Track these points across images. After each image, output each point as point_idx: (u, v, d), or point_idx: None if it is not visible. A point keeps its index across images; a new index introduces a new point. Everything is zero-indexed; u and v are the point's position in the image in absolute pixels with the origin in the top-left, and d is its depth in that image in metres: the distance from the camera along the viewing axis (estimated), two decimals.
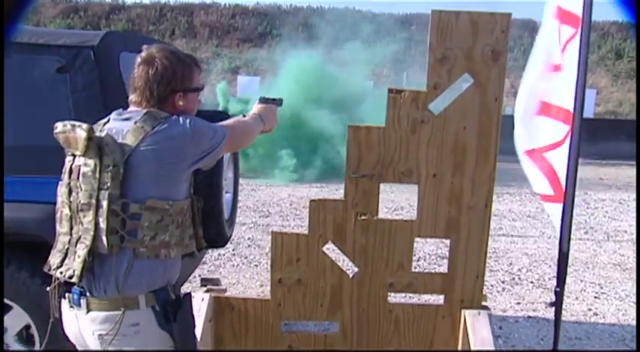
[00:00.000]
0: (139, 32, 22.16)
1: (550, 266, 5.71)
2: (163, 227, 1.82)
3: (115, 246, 1.77)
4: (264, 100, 2.24)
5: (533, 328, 4.20)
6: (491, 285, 5.09)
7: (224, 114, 2.69)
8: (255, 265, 5.54)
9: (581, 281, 5.33)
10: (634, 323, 4.36)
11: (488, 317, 2.78)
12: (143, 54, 1.87)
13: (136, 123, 1.80)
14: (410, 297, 3.90)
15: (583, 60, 2.70)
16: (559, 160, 2.73)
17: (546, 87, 2.89)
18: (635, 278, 5.43)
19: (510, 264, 5.82)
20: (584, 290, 5.07)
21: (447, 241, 2.88)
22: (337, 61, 13.99)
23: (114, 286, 1.78)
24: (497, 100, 2.68)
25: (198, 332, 2.19)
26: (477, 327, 2.71)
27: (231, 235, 3.20)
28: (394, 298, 2.97)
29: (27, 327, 2.81)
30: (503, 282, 5.23)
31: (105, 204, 1.75)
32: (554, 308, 2.90)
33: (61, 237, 1.87)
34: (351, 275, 2.87)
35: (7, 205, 2.59)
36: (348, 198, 2.77)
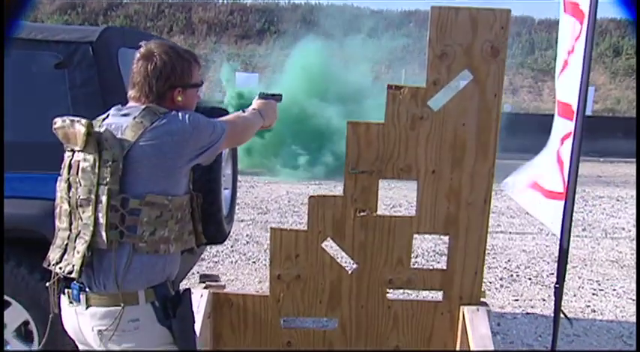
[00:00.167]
0: (137, 29, 22.11)
1: (548, 263, 5.72)
2: (162, 222, 1.82)
3: (114, 241, 1.77)
4: (263, 96, 2.23)
5: (531, 324, 4.21)
6: (490, 282, 5.09)
7: (223, 110, 2.68)
8: (254, 262, 5.54)
9: (579, 278, 5.34)
10: (632, 319, 4.37)
11: (487, 313, 2.78)
12: (142, 49, 1.87)
13: (134, 118, 1.80)
14: (408, 293, 3.90)
15: (587, 57, 2.71)
16: (565, 157, 2.74)
17: (559, 85, 2.92)
18: (633, 275, 5.45)
19: (509, 260, 5.83)
20: (582, 287, 5.08)
21: (446, 238, 2.88)
22: (337, 57, 13.98)
23: (113, 281, 1.78)
24: (497, 96, 2.68)
25: (197, 328, 2.19)
26: (475, 323, 2.71)
27: (229, 231, 3.20)
28: (393, 294, 2.97)
29: (25, 323, 2.81)
30: (501, 279, 5.24)
31: (104, 199, 1.75)
32: (553, 307, 2.90)
33: (60, 232, 1.87)
34: (350, 272, 2.87)
35: (6, 201, 2.59)
36: (347, 195, 2.77)
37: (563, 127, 2.82)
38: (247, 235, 6.45)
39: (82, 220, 1.79)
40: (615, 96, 22.43)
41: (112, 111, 1.90)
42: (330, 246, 2.85)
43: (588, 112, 17.82)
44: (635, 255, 6.06)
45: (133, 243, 1.79)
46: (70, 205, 1.82)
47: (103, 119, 1.88)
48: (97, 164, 1.77)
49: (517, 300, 4.71)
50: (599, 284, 5.18)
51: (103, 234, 1.76)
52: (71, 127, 1.81)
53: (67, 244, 1.84)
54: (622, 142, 14.79)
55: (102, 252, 1.79)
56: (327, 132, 11.14)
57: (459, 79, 2.70)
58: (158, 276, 1.84)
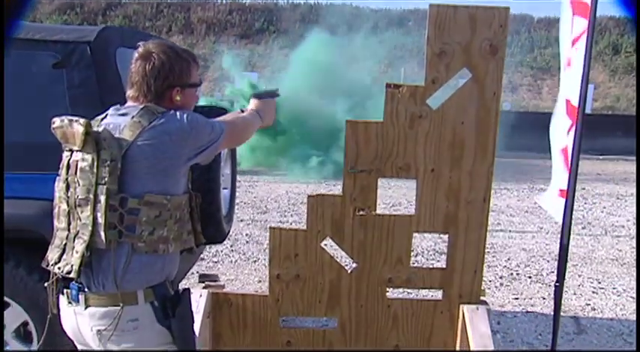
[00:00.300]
0: (135, 28, 22.09)
1: (548, 261, 5.72)
2: (161, 222, 1.81)
3: (113, 241, 1.77)
4: (258, 95, 2.23)
5: (531, 323, 4.21)
6: (490, 280, 5.09)
7: (222, 110, 2.68)
8: (254, 261, 5.54)
9: (579, 276, 5.34)
10: (632, 317, 4.37)
11: (487, 312, 2.78)
12: (140, 49, 1.87)
13: (133, 118, 1.79)
14: (408, 292, 3.90)
15: (588, 54, 2.71)
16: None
17: (564, 83, 2.92)
18: (633, 273, 5.45)
19: (508, 259, 5.83)
20: (582, 285, 5.08)
21: (445, 237, 2.87)
22: (338, 56, 13.98)
23: (112, 281, 1.77)
24: (496, 95, 2.67)
25: (196, 327, 2.19)
26: (475, 322, 2.71)
27: (229, 231, 3.20)
28: (392, 293, 2.97)
29: (25, 324, 2.80)
30: (501, 278, 5.23)
31: (103, 199, 1.75)
32: (553, 306, 2.91)
33: (58, 232, 1.87)
34: (349, 271, 2.87)
35: (5, 202, 2.59)
36: (346, 194, 2.77)
37: (567, 124, 2.83)
38: (247, 235, 6.45)
39: (80, 220, 1.79)
40: (615, 94, 22.43)
41: (110, 110, 1.90)
42: (329, 245, 2.85)
43: (588, 110, 17.84)
44: (635, 253, 6.06)
45: (132, 242, 1.78)
46: (68, 205, 1.82)
47: (102, 119, 1.88)
48: (95, 164, 1.76)
49: (517, 299, 4.71)
50: (599, 283, 5.18)
51: (102, 233, 1.76)
52: (69, 127, 1.81)
53: (65, 244, 1.83)
54: (621, 140, 14.79)
55: (101, 252, 1.78)
56: (335, 130, 11.15)
57: (457, 77, 2.70)
58: (157, 276, 1.84)
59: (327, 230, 2.80)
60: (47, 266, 1.87)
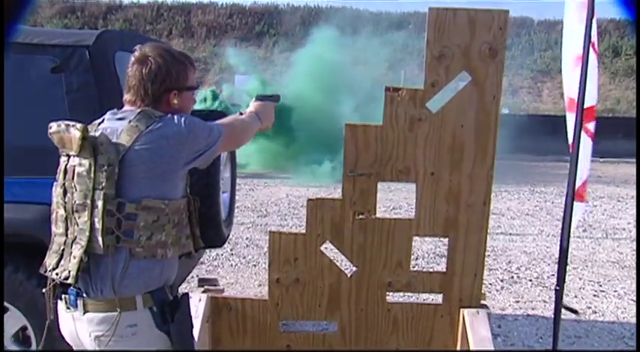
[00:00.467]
0: (136, 32, 22.14)
1: (549, 264, 5.71)
2: (159, 227, 1.80)
3: (110, 246, 1.76)
4: (260, 98, 2.22)
5: (532, 326, 4.20)
6: (490, 284, 5.08)
7: (220, 113, 2.67)
8: (254, 265, 5.53)
9: (580, 279, 5.32)
10: (633, 320, 4.35)
11: (487, 316, 2.77)
12: (137, 53, 1.86)
13: (130, 122, 1.79)
14: (408, 296, 3.89)
15: (586, 55, 2.70)
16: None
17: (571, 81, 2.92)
18: (634, 276, 5.43)
19: (509, 262, 5.81)
20: (583, 288, 5.07)
21: (446, 240, 2.86)
22: (345, 55, 14.03)
23: (110, 287, 1.76)
24: (495, 98, 2.67)
25: (195, 332, 2.18)
26: (475, 326, 2.70)
27: (228, 235, 3.19)
28: (393, 297, 2.96)
29: (23, 329, 2.79)
30: (502, 281, 5.22)
31: (100, 204, 1.74)
32: (558, 307, 2.90)
33: (56, 238, 1.86)
34: (349, 275, 2.85)
35: (4, 206, 2.58)
36: (345, 197, 2.76)
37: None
38: (247, 238, 6.44)
39: (78, 225, 1.78)
40: (615, 97, 22.44)
41: (107, 115, 1.89)
42: (329, 249, 2.84)
43: None
44: (635, 256, 6.05)
45: (130, 247, 1.77)
46: (65, 210, 1.81)
47: (99, 123, 1.87)
48: (92, 169, 1.75)
49: (518, 302, 4.69)
50: (601, 286, 5.16)
51: (100, 239, 1.75)
52: (66, 132, 1.80)
53: (63, 249, 1.82)
54: (622, 142, 14.78)
55: (98, 258, 1.77)
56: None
57: (457, 80, 2.69)
58: (155, 281, 1.83)
59: (326, 234, 2.79)
60: (45, 271, 1.86)
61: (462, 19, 2.60)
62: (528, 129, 12.49)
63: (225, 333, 2.94)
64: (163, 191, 1.81)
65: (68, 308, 1.83)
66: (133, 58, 1.86)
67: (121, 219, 1.76)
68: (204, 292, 2.98)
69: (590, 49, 2.73)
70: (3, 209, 2.54)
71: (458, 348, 2.84)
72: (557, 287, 2.91)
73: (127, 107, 1.87)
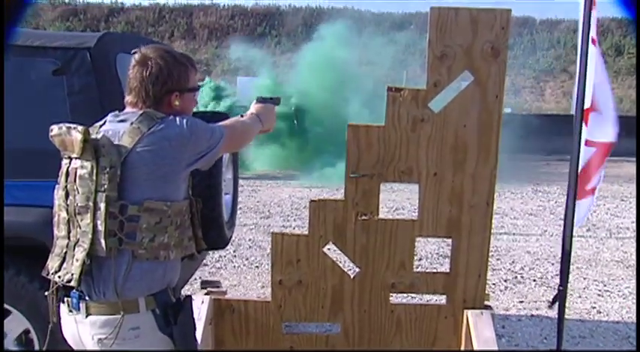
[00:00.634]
0: (137, 34, 22.18)
1: (553, 264, 5.69)
2: (162, 228, 1.80)
3: (113, 248, 1.75)
4: (261, 100, 2.22)
5: (536, 327, 4.18)
6: (494, 284, 5.06)
7: (222, 115, 2.67)
8: (257, 266, 5.52)
9: (584, 278, 5.30)
10: None
11: (491, 316, 2.76)
12: (138, 55, 1.86)
13: (132, 124, 1.78)
14: (412, 297, 3.88)
15: (583, 56, 2.69)
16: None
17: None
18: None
19: (513, 262, 5.80)
20: (588, 288, 5.05)
21: (449, 240, 2.86)
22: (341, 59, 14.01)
23: (113, 289, 1.76)
24: (498, 98, 2.66)
25: (198, 335, 2.17)
26: (479, 327, 2.69)
27: (231, 237, 3.18)
28: (396, 298, 2.95)
29: (26, 332, 2.79)
30: (505, 281, 5.21)
31: (102, 206, 1.74)
32: (556, 306, 2.88)
33: (59, 240, 1.85)
34: (352, 276, 2.85)
35: (5, 209, 2.58)
36: (348, 198, 2.75)
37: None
38: (250, 240, 6.43)
39: (80, 228, 1.78)
40: (618, 96, 22.36)
41: (108, 117, 1.89)
42: (332, 250, 2.83)
43: None
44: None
45: (133, 250, 1.77)
46: (68, 213, 1.81)
47: (100, 125, 1.86)
48: (94, 171, 1.75)
49: (522, 302, 4.68)
50: (605, 285, 5.14)
51: (102, 241, 1.74)
52: (68, 134, 1.80)
53: (65, 252, 1.82)
54: (625, 141, 14.72)
55: (101, 260, 1.77)
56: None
57: (459, 80, 2.68)
58: (158, 283, 1.82)
59: (329, 235, 2.78)
60: (47, 274, 1.85)
61: (464, 18, 2.59)
62: (531, 129, 12.45)
63: (228, 335, 2.93)
64: (165, 193, 1.81)
65: (71, 311, 1.82)
66: (134, 60, 1.85)
67: (123, 221, 1.75)
68: (206, 294, 2.98)
69: (591, 45, 2.71)
70: (3, 211, 2.53)
71: (462, 349, 2.83)
72: (561, 287, 2.90)
73: (128, 109, 1.87)
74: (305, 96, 12.58)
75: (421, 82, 2.73)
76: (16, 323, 2.76)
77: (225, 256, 5.75)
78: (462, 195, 2.74)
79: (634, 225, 7.56)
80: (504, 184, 9.66)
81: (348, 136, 2.71)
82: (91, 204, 1.75)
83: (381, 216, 2.81)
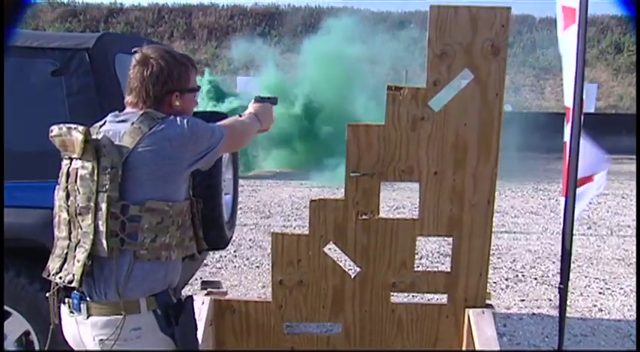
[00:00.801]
0: (136, 34, 22.16)
1: (554, 262, 5.68)
2: (163, 229, 1.80)
3: (115, 249, 1.75)
4: (259, 99, 2.22)
5: (537, 325, 4.17)
6: (495, 282, 5.06)
7: (221, 115, 2.66)
8: (257, 266, 5.51)
9: (586, 277, 5.30)
10: None
11: (493, 315, 2.75)
12: (138, 55, 1.86)
13: (132, 124, 1.78)
14: (413, 296, 3.87)
15: (581, 56, 2.69)
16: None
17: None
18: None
19: (514, 260, 5.79)
20: (589, 286, 5.04)
21: (450, 239, 2.85)
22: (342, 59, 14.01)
23: (114, 290, 1.76)
24: (498, 96, 2.65)
25: (199, 335, 2.17)
26: (481, 326, 2.68)
27: (231, 237, 3.18)
28: (397, 298, 2.94)
29: (26, 333, 2.79)
30: (506, 279, 5.20)
31: (104, 206, 1.73)
32: (559, 308, 2.88)
33: (59, 241, 1.85)
34: (353, 276, 2.84)
35: (5, 211, 2.57)
36: (348, 198, 2.74)
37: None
38: (250, 240, 6.43)
39: (81, 229, 1.77)
40: (618, 93, 22.37)
41: (109, 117, 1.88)
42: (332, 249, 2.82)
43: (591, 110, 17.81)
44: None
45: (134, 250, 1.77)
46: (69, 214, 1.81)
47: (100, 126, 1.86)
48: (95, 171, 1.75)
49: (523, 301, 4.67)
50: (606, 283, 5.14)
51: (104, 242, 1.74)
52: (68, 135, 1.80)
53: (66, 253, 1.82)
54: (625, 139, 14.70)
55: (102, 261, 1.77)
56: None
57: (459, 78, 2.68)
58: (160, 284, 1.82)
59: (329, 234, 2.77)
60: (48, 276, 1.85)
61: (463, 16, 2.59)
62: (531, 127, 12.43)
63: (229, 336, 2.93)
64: (166, 193, 1.80)
65: (72, 312, 1.82)
66: (134, 60, 1.85)
67: (125, 222, 1.75)
68: (207, 294, 2.97)
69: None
70: (3, 213, 2.53)
71: (463, 348, 2.83)
72: (561, 286, 2.89)
73: (128, 109, 1.87)
74: (314, 95, 12.53)
75: (421, 81, 2.73)
76: (17, 325, 2.76)
77: (225, 256, 5.75)
78: (462, 193, 2.74)
79: (635, 222, 7.55)
80: (505, 182, 9.67)
81: (348, 136, 2.70)
82: (92, 204, 1.75)
83: (382, 215, 2.81)
